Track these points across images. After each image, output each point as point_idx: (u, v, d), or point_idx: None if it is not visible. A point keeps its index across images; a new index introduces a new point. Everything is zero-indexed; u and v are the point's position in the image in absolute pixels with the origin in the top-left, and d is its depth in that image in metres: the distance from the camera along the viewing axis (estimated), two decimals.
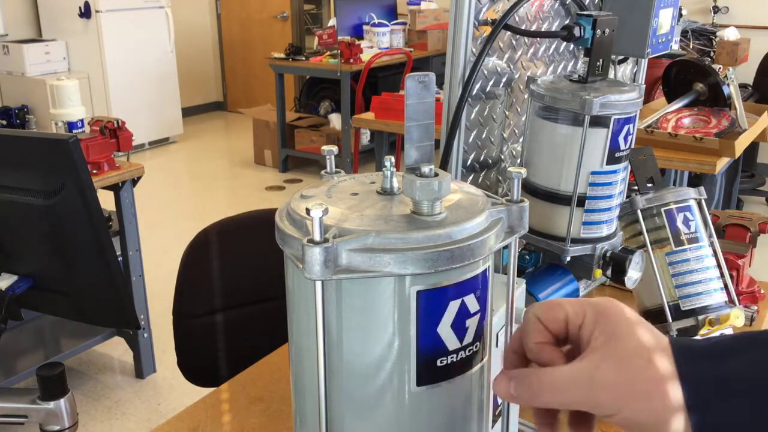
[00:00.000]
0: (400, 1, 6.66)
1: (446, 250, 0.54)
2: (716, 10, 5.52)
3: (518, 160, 1.28)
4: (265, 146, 6.04)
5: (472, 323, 0.59)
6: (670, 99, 2.95)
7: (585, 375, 0.50)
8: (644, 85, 1.26)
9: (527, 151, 1.18)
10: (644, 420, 0.48)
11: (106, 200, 2.28)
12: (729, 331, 1.20)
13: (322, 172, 0.69)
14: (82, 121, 2.82)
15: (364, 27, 6.15)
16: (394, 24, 6.15)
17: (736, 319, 1.17)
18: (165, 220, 4.80)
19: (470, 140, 1.16)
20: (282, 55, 5.74)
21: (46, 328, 3.01)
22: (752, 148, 4.93)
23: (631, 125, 1.11)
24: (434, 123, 0.60)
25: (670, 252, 1.22)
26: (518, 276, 0.99)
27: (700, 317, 1.20)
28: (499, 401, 0.84)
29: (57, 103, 2.84)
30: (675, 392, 0.47)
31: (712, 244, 1.25)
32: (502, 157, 1.28)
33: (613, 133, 1.09)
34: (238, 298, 1.68)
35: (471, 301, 0.58)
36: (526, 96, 1.21)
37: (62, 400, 1.02)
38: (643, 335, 0.50)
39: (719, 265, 1.24)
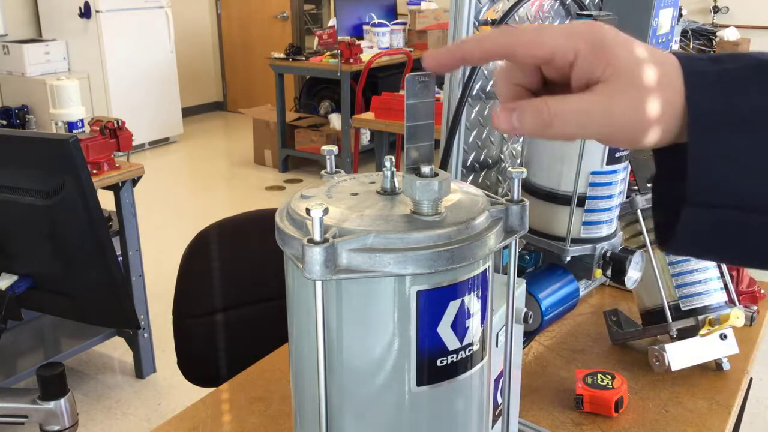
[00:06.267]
0: (400, 1, 6.66)
1: (446, 250, 0.54)
2: (716, 10, 5.52)
3: (518, 160, 1.28)
4: (265, 146, 6.04)
5: (472, 323, 0.59)
6: None
7: (602, 108, 0.47)
8: None
9: (527, 151, 1.18)
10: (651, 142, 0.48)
11: (106, 200, 2.28)
12: (729, 331, 1.20)
13: (322, 172, 0.69)
14: (82, 121, 2.82)
15: (364, 27, 6.15)
16: (394, 24, 6.16)
17: (736, 319, 1.17)
18: (165, 220, 4.79)
19: (470, 140, 1.16)
20: (282, 55, 5.74)
21: (46, 328, 3.01)
22: None
23: None
24: (434, 123, 0.60)
25: None
26: (518, 276, 0.99)
27: (701, 317, 1.20)
28: (499, 401, 0.84)
29: (57, 103, 2.85)
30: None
31: None
32: (502, 157, 1.28)
33: None
34: (238, 298, 1.68)
35: (471, 301, 0.58)
36: None
37: (62, 400, 1.02)
38: (650, 63, 0.47)
39: (719, 265, 1.24)
